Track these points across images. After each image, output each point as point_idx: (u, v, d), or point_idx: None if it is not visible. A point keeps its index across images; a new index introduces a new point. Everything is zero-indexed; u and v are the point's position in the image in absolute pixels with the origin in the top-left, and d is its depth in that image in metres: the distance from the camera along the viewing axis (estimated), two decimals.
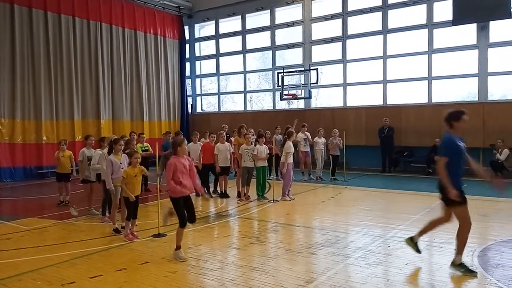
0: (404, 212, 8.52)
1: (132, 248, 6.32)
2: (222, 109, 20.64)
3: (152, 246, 6.36)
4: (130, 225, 6.77)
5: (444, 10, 14.21)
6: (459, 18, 13.72)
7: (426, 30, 14.73)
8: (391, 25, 15.46)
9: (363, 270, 5.19)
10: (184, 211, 5.73)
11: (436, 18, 14.56)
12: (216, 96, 20.85)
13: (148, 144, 11.59)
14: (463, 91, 14.81)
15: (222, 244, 6.51)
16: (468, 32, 13.95)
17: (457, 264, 5.02)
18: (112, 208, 7.36)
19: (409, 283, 4.73)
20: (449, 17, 13.95)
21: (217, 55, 20.34)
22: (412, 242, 5.59)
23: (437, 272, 5.15)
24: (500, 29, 13.48)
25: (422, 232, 5.54)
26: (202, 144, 10.84)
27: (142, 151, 10.57)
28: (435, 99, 14.77)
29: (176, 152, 5.80)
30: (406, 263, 5.40)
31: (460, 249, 5.04)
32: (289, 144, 9.97)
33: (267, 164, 10.24)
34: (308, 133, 13.18)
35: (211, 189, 10.81)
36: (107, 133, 15.62)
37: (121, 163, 7.23)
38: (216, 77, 20.61)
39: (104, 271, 5.29)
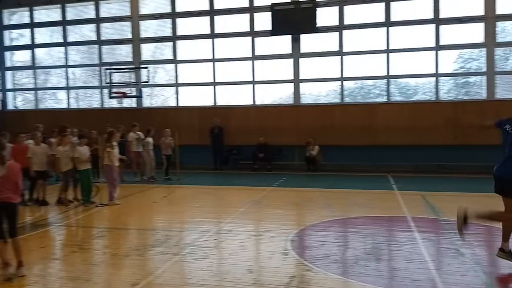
0: (231, 206, 9.08)
1: None
2: (42, 106, 18.46)
3: None
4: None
5: (265, 21, 15.54)
6: (276, 29, 15.21)
7: (249, 38, 15.90)
8: (218, 29, 16.19)
9: (190, 265, 5.35)
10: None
11: (257, 27, 15.84)
12: (33, 91, 18.53)
13: None
14: (282, 95, 16.55)
15: (39, 256, 5.85)
16: (285, 42, 15.61)
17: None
18: None
19: (231, 272, 5.07)
20: (269, 27, 15.34)
21: (32, 46, 18.08)
22: (505, 253, 5.07)
23: (256, 258, 5.65)
24: (309, 41, 15.46)
25: (506, 237, 5.08)
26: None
27: None
28: (258, 101, 16.10)
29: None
30: (230, 254, 5.77)
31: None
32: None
33: (90, 167, 9.60)
34: (140, 133, 12.84)
35: (26, 197, 9.55)
36: None
37: None
38: (32, 70, 18.33)
39: None
